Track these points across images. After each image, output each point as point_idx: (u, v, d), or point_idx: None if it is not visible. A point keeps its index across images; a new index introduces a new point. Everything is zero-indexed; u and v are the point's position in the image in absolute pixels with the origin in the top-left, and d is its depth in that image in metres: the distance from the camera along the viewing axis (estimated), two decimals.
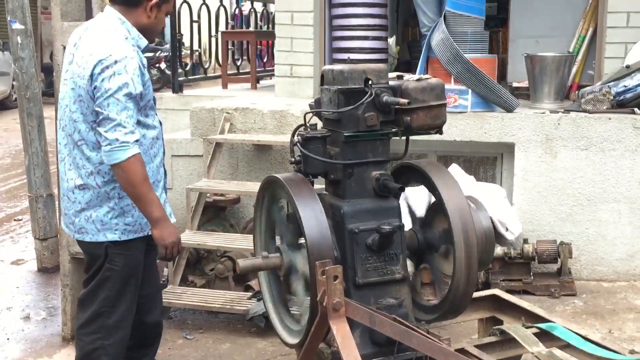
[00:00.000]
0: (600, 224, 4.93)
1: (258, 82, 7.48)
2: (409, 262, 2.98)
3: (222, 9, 8.16)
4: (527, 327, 3.21)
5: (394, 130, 2.85)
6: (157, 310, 3.28)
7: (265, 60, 9.77)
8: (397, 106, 2.75)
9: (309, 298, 2.67)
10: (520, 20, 6.04)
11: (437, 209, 2.89)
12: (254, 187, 4.33)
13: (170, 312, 4.47)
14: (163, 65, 14.96)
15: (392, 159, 2.94)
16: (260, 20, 9.87)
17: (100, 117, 2.74)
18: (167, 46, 13.23)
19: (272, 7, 9.02)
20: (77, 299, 3.12)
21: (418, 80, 2.84)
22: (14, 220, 6.89)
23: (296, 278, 2.84)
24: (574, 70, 5.62)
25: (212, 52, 8.31)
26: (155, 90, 11.68)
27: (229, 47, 8.30)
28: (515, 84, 6.04)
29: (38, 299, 4.90)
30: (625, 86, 4.95)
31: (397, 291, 2.81)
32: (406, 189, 2.91)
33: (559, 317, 3.79)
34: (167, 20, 3.32)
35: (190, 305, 4.36)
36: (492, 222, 3.23)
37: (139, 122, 2.83)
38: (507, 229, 4.68)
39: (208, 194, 4.92)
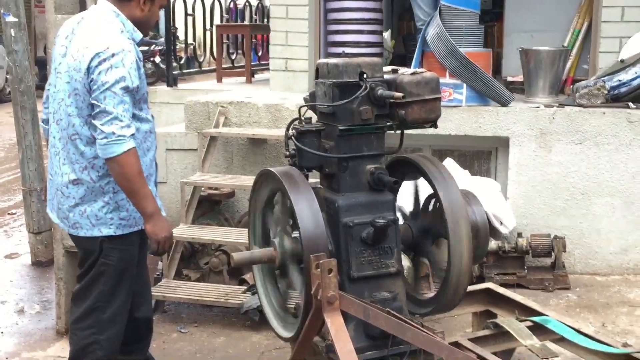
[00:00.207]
0: (594, 218, 4.95)
1: (253, 76, 7.46)
2: (403, 256, 2.99)
3: (217, 2, 8.12)
4: (521, 321, 3.23)
5: (388, 124, 2.85)
6: (147, 305, 3.27)
7: (260, 54, 9.76)
8: (391, 100, 2.75)
9: (303, 291, 2.67)
10: (515, 14, 6.04)
11: (431, 202, 2.89)
12: (249, 180, 4.32)
13: (164, 306, 4.47)
14: (157, 59, 14.91)
15: (387, 152, 2.94)
16: (255, 14, 9.83)
17: (97, 110, 2.73)
18: (162, 40, 13.18)
19: (267, 1, 8.98)
20: (71, 294, 3.11)
21: (413, 74, 2.84)
22: (8, 214, 6.87)
23: (291, 271, 2.84)
24: (568, 64, 5.63)
25: (207, 45, 8.29)
26: (150, 84, 11.64)
27: (224, 41, 8.28)
28: (510, 78, 6.04)
29: (32, 292, 4.90)
30: (619, 80, 4.95)
31: (391, 285, 2.81)
32: None
33: (553, 310, 3.80)
34: (162, 13, 3.31)
35: (184, 299, 4.36)
36: (487, 216, 3.24)
37: (133, 116, 2.82)
38: (501, 223, 4.69)
39: (203, 188, 4.91)
